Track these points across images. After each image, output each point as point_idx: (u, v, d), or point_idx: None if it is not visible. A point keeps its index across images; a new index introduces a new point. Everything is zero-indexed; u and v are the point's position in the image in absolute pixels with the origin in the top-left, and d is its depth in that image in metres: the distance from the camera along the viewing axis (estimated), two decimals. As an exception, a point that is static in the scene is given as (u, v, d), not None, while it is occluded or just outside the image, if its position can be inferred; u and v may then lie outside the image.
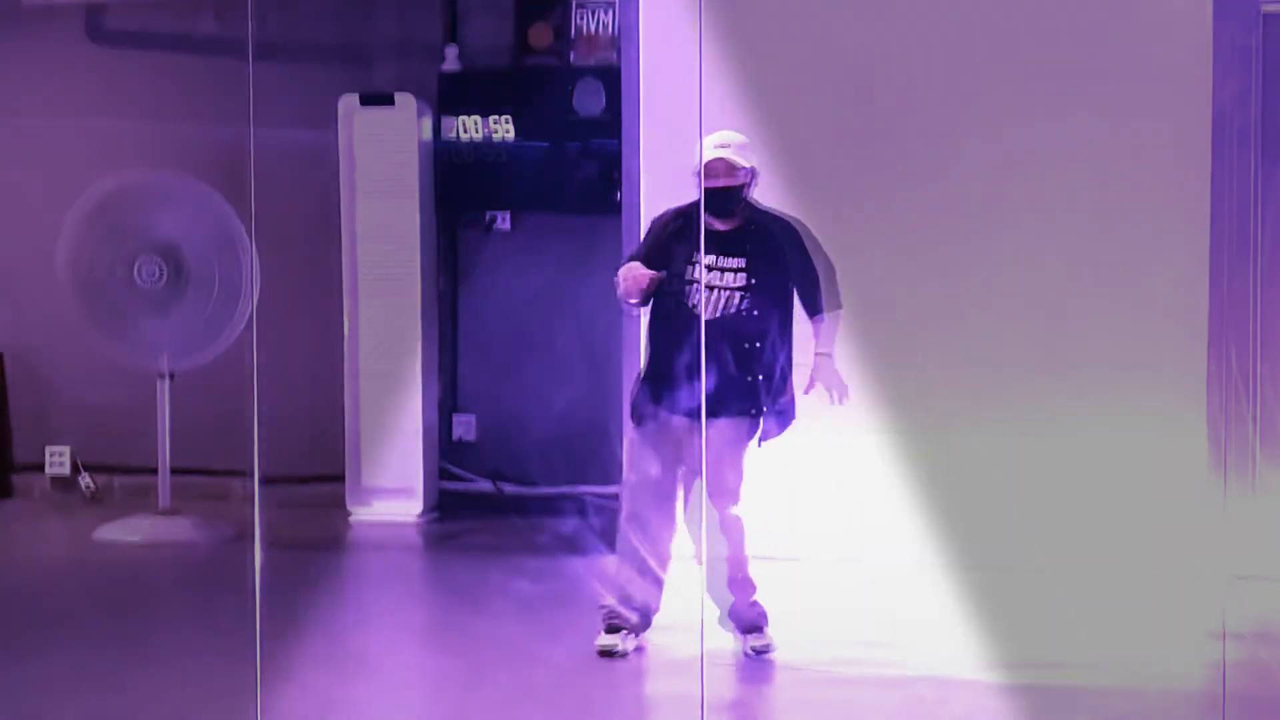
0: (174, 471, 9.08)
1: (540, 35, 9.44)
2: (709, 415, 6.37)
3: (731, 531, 6.58)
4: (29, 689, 6.18)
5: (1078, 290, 7.99)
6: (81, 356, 9.35)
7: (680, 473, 6.61)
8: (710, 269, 6.48)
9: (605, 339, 8.85)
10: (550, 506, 9.01)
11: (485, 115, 9.36)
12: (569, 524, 8.70)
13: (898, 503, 6.92)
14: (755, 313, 6.49)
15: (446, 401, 9.61)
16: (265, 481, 8.28)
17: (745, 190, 6.55)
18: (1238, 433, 7.79)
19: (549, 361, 9.24)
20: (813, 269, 6.59)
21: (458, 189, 9.48)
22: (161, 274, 8.98)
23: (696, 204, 6.53)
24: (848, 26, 8.24)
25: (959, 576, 7.70)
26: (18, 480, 10.04)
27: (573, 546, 8.43)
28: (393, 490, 9.33)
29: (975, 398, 7.94)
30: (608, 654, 6.55)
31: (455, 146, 9.39)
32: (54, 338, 9.67)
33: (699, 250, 6.47)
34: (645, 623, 6.68)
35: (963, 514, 7.88)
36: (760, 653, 6.58)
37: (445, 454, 9.56)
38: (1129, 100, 7.95)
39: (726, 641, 6.67)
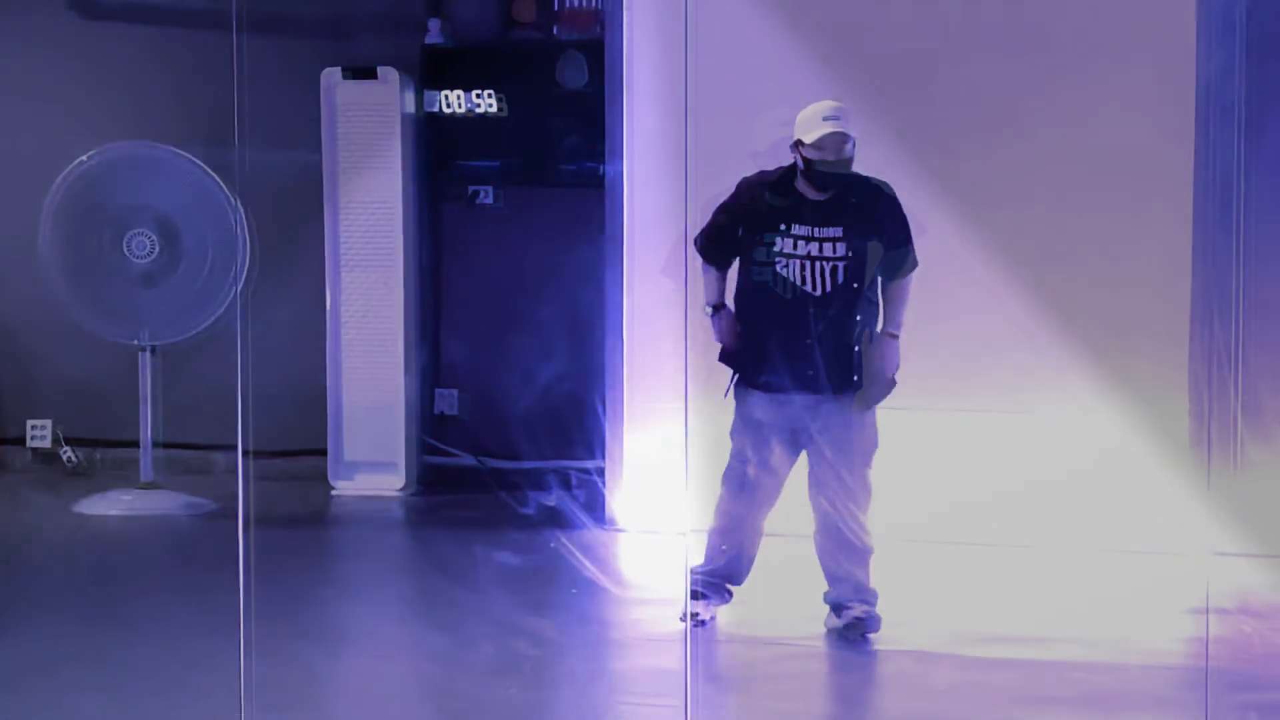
0: (156, 445, 9.06)
1: (524, 9, 9.41)
2: (830, 391, 6.39)
3: (864, 497, 6.54)
4: (9, 661, 6.16)
5: (1060, 266, 7.99)
6: (64, 329, 9.31)
7: (795, 449, 6.54)
8: (808, 240, 6.39)
9: (589, 313, 8.84)
10: (533, 480, 9.00)
11: (469, 89, 9.33)
12: (551, 498, 8.70)
13: (881, 478, 6.88)
14: (855, 284, 6.42)
15: (429, 376, 9.60)
16: (248, 455, 8.28)
17: (852, 162, 6.45)
18: (1220, 409, 7.80)
19: (532, 336, 9.21)
20: (905, 231, 6.49)
21: (441, 163, 9.45)
22: (153, 247, 8.96)
23: (788, 172, 6.43)
24: (823, 8, 8.23)
25: (943, 552, 7.71)
26: (-1, 453, 10.03)
27: (555, 520, 8.43)
28: (375, 464, 9.32)
29: (957, 375, 7.94)
30: (692, 619, 6.51)
31: (438, 120, 9.36)
32: (36, 311, 9.63)
33: (796, 223, 6.40)
34: (727, 595, 6.67)
35: (946, 491, 7.88)
36: (861, 626, 6.51)
37: (428, 428, 9.54)
38: (1113, 76, 7.95)
39: (709, 615, 6.66)
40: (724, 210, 6.55)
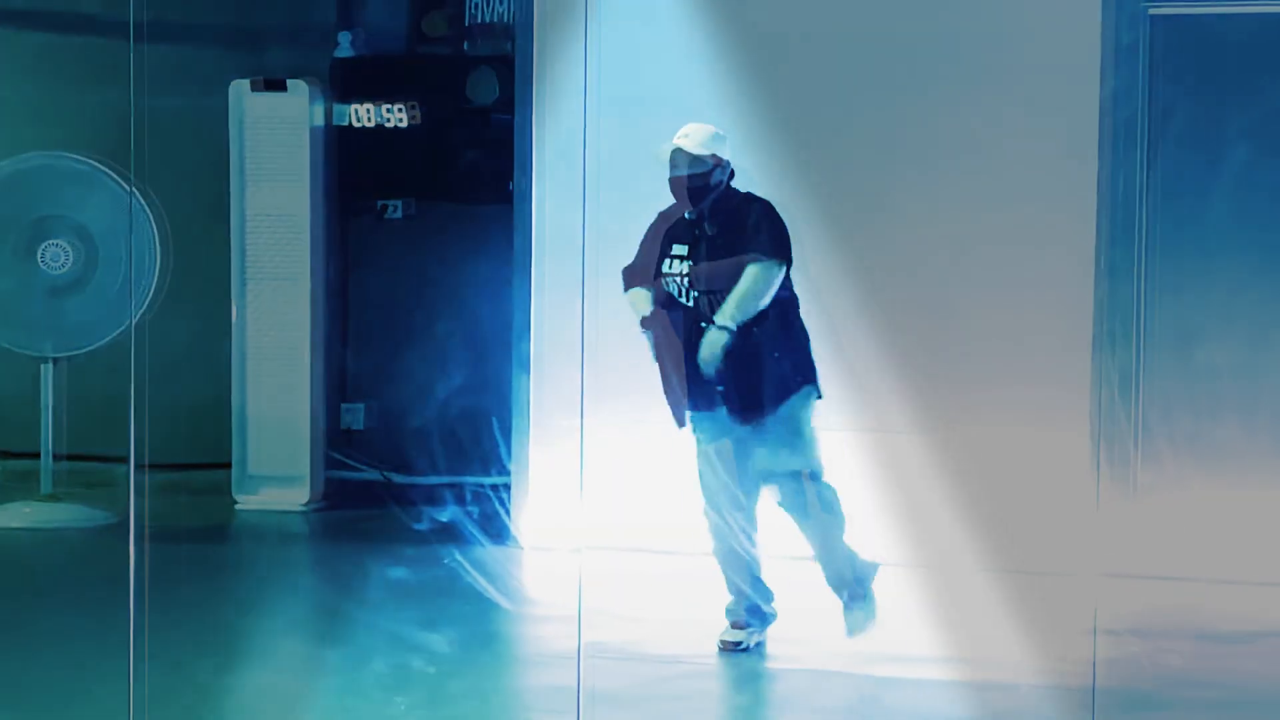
0: (58, 457, 8.99)
1: (435, 23, 9.41)
2: (755, 410, 6.47)
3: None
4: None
5: (963, 285, 8.03)
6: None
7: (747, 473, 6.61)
8: (681, 259, 6.55)
9: (497, 329, 8.83)
10: (437, 496, 8.97)
11: (379, 102, 9.30)
12: (454, 513, 8.67)
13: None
14: (724, 296, 6.46)
15: (335, 390, 9.56)
16: (150, 468, 8.22)
17: (710, 179, 6.54)
18: (1119, 432, 7.86)
19: (440, 351, 9.20)
20: (770, 241, 6.51)
21: (350, 176, 9.42)
22: (67, 258, 8.90)
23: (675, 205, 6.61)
24: (739, 21, 8.26)
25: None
26: (-101, 465, 9.91)
27: (452, 536, 8.40)
28: (280, 478, 9.27)
29: (857, 393, 7.96)
30: (729, 647, 6.55)
31: (348, 134, 9.33)
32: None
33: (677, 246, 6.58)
34: (763, 619, 6.67)
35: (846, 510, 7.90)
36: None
37: (333, 443, 9.50)
38: (1018, 98, 8.01)
39: (607, 633, 6.66)
40: (639, 255, 6.74)
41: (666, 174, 6.60)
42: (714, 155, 6.56)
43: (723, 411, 6.51)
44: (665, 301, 6.58)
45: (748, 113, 8.17)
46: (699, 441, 6.63)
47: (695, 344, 6.45)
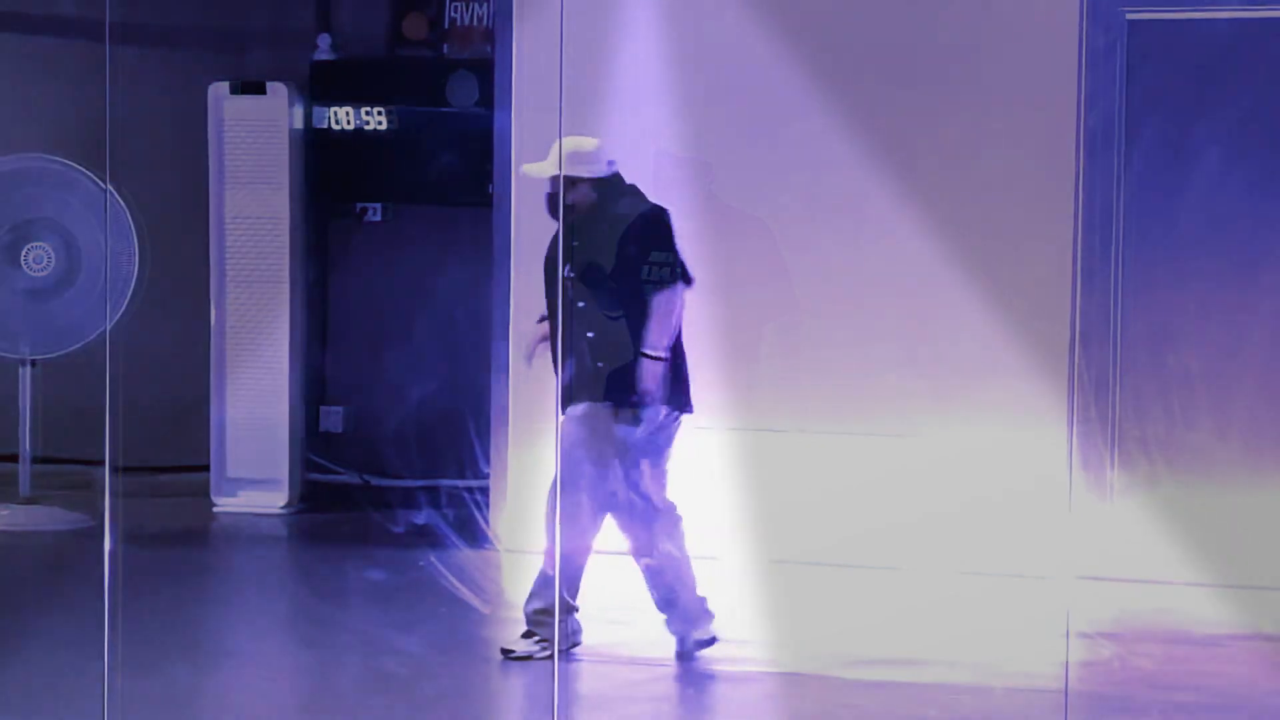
0: (35, 460, 8.99)
1: (415, 26, 9.42)
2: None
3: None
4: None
5: (940, 287, 8.05)
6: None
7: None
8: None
9: (475, 332, 8.84)
10: (416, 499, 8.98)
11: (358, 106, 9.31)
12: (433, 516, 8.68)
13: (752, 500, 6.98)
14: (580, 304, 6.49)
15: (314, 393, 9.57)
16: (128, 470, 8.23)
17: (574, 193, 6.53)
18: (1095, 435, 7.89)
19: (419, 354, 9.21)
20: (650, 244, 6.51)
21: (329, 179, 9.43)
22: (50, 261, 8.91)
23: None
24: (716, 25, 8.27)
25: (813, 574, 7.75)
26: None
27: (430, 539, 8.41)
28: (258, 481, 9.27)
29: (833, 396, 7.99)
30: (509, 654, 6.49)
31: (327, 136, 9.34)
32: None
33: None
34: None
35: (818, 512, 7.93)
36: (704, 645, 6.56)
37: (312, 445, 9.51)
38: (996, 101, 8.03)
39: (584, 636, 6.67)
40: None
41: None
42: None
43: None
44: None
45: (724, 115, 8.19)
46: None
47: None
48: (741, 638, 6.90)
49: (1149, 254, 7.96)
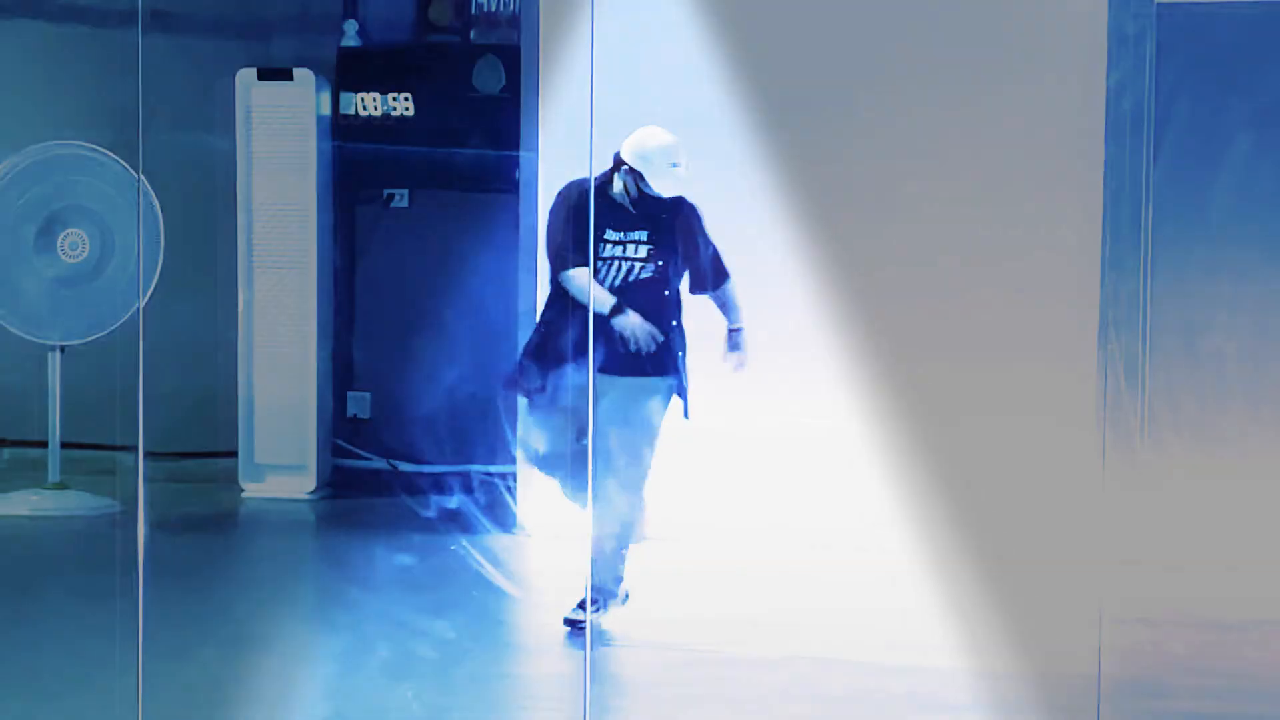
0: (65, 445, 9.01)
1: (441, 12, 9.41)
2: (625, 374, 6.61)
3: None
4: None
5: (969, 275, 8.04)
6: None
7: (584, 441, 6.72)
8: (616, 243, 6.66)
9: (502, 317, 8.84)
10: (443, 484, 8.99)
11: (384, 92, 9.31)
12: (455, 501, 8.68)
13: (789, 489, 6.98)
14: (656, 278, 6.67)
15: (341, 378, 9.57)
16: (156, 456, 8.24)
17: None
18: (1125, 420, 7.87)
19: (446, 339, 9.21)
20: (709, 245, 6.80)
21: (356, 166, 9.43)
22: (84, 246, 8.93)
23: (607, 181, 6.72)
24: (745, 16, 8.26)
25: (842, 559, 7.74)
26: (-95, 453, 9.93)
27: (459, 524, 8.42)
28: (285, 466, 9.29)
29: (863, 383, 7.97)
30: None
31: (354, 123, 9.34)
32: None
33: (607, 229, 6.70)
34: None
35: (848, 502, 7.92)
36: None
37: (339, 431, 9.52)
38: (1025, 90, 8.01)
39: (613, 621, 6.67)
40: (551, 224, 6.85)
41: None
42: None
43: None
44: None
45: (751, 102, 8.17)
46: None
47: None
48: (770, 621, 6.92)
49: (1178, 239, 7.93)
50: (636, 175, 6.68)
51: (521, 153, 8.73)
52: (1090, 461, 7.67)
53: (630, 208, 6.71)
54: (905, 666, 6.31)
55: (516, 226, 8.71)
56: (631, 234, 6.70)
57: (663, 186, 6.67)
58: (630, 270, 6.68)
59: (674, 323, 6.71)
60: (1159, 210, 7.93)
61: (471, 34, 9.35)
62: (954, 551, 7.76)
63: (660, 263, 6.68)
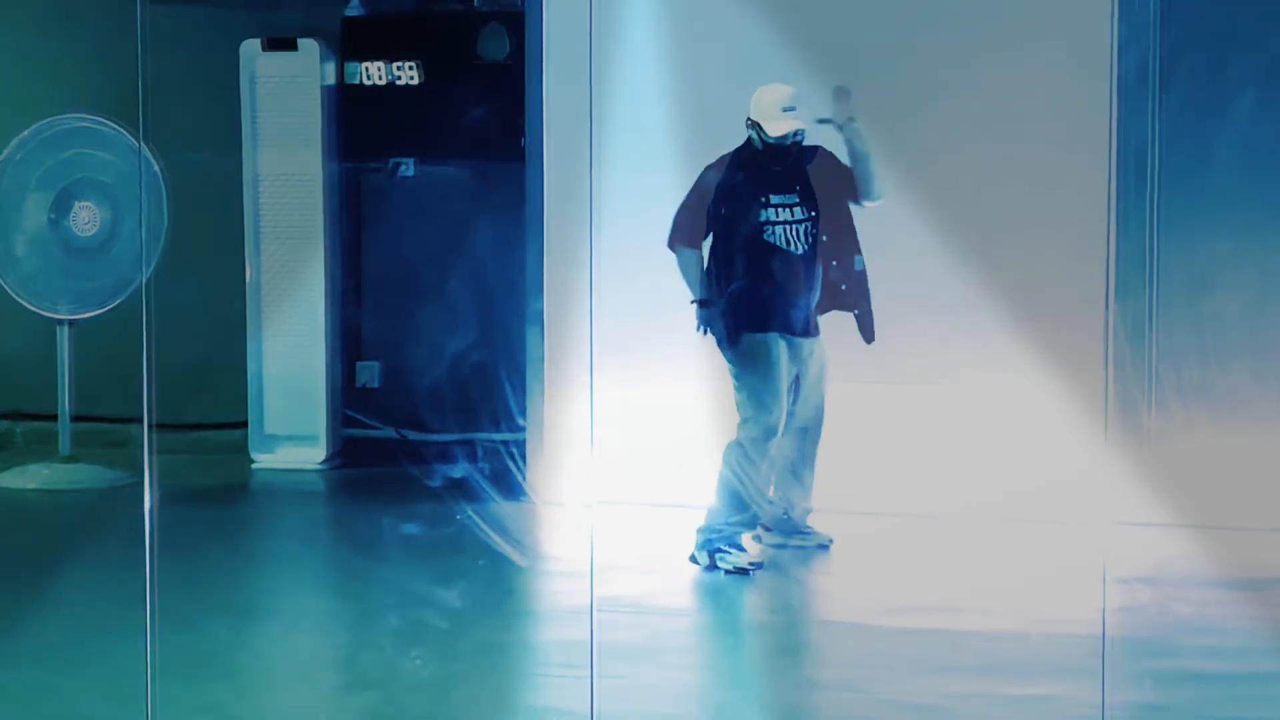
0: (75, 418, 9.05)
1: (450, -14, 9.40)
2: (806, 335, 7.20)
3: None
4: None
5: (976, 235, 8.03)
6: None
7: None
8: (782, 207, 7.13)
9: (510, 285, 8.85)
10: (451, 453, 9.01)
11: (389, 60, 9.30)
12: (462, 470, 8.70)
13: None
14: (824, 238, 7.23)
15: (350, 348, 9.59)
16: (166, 427, 8.28)
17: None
18: (1133, 381, 7.86)
19: (453, 308, 9.22)
20: (848, 172, 7.35)
21: (361, 135, 9.43)
22: (96, 219, 8.95)
23: (749, 149, 7.16)
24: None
25: (850, 520, 7.74)
26: (-83, 427, 9.97)
27: (466, 492, 8.43)
28: (295, 437, 9.31)
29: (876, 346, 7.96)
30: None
31: (359, 92, 9.33)
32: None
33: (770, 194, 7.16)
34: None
35: (854, 459, 7.91)
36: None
37: (349, 401, 9.54)
38: (1030, 47, 7.99)
39: (619, 587, 6.69)
40: (692, 198, 7.22)
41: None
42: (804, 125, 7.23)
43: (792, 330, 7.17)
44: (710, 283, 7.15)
45: (760, 57, 8.15)
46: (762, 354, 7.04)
47: (789, 277, 7.11)
48: (776, 584, 6.94)
49: (1185, 198, 7.92)
50: (757, 126, 7.12)
51: (527, 120, 8.71)
52: (1095, 420, 7.67)
53: (772, 164, 7.10)
54: (915, 629, 6.33)
55: (522, 193, 8.71)
56: (787, 196, 7.13)
57: (773, 128, 7.07)
58: (798, 231, 7.12)
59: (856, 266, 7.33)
60: (1165, 166, 7.92)
61: (476, 1, 9.33)
62: (959, 512, 7.77)
63: (815, 220, 7.16)
